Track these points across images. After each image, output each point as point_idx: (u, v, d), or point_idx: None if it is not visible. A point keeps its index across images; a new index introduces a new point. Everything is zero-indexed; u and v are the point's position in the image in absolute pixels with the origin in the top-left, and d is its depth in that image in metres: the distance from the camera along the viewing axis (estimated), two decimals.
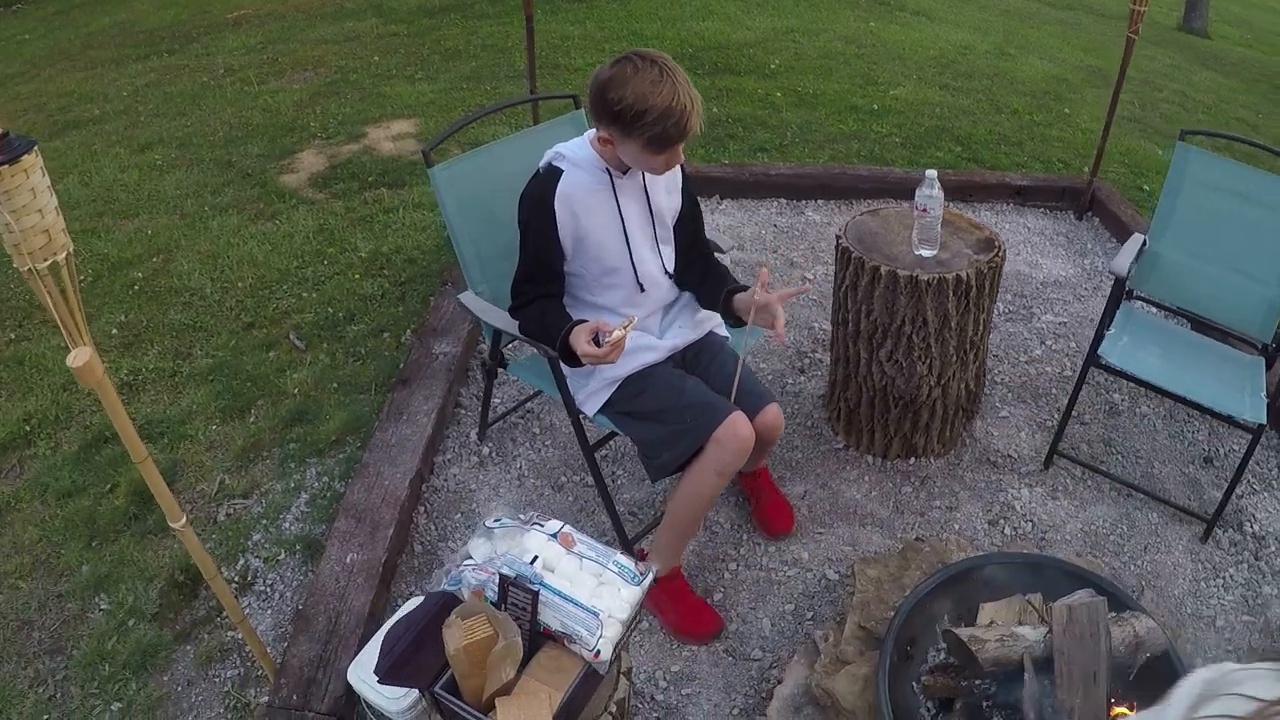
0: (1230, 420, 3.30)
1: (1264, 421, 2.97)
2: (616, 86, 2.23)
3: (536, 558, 1.87)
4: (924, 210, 2.99)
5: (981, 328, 3.17)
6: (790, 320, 4.20)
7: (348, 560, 2.76)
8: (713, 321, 2.79)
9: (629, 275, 2.57)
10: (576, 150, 2.47)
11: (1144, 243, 3.44)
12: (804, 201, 5.33)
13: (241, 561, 3.04)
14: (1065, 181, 5.52)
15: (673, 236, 2.67)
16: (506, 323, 2.62)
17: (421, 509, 3.20)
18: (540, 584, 1.80)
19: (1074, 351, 4.12)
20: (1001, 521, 3.24)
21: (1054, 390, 3.88)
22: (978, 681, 2.19)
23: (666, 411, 2.48)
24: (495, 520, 1.98)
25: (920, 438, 3.37)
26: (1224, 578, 3.09)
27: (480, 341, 3.92)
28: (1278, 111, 9.62)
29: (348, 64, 8.05)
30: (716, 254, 2.82)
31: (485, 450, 3.44)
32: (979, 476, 3.43)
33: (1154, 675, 2.13)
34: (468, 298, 2.74)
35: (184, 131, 6.63)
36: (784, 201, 5.33)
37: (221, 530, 3.17)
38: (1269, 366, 3.30)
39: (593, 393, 2.60)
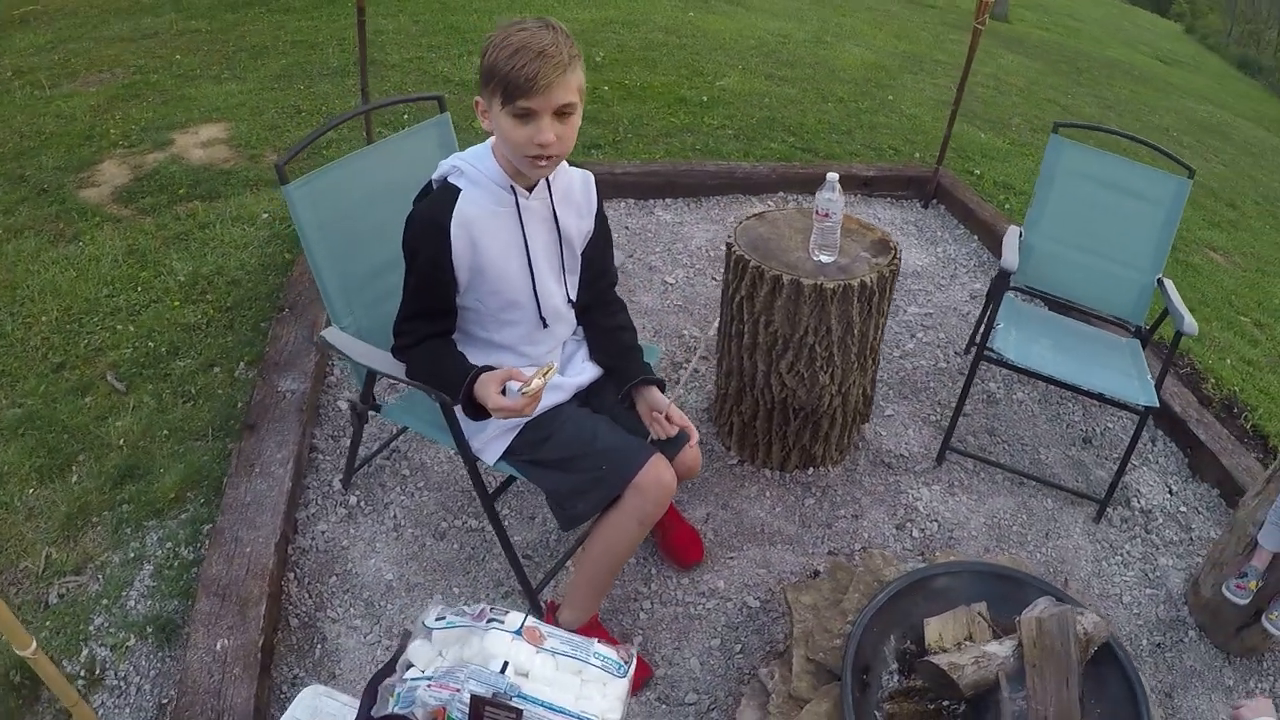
0: (1123, 405, 3.41)
1: (1156, 404, 3.06)
2: (494, 34, 1.98)
3: (506, 664, 1.53)
4: (825, 215, 2.84)
5: (879, 331, 3.08)
6: (657, 328, 4.03)
7: (218, 647, 2.38)
8: None
9: (531, 310, 2.26)
10: (476, 163, 2.13)
11: (1020, 234, 3.48)
12: (652, 201, 5.17)
13: (85, 651, 2.61)
14: (910, 171, 5.58)
15: (579, 264, 2.39)
16: (389, 365, 2.28)
17: (291, 575, 2.83)
18: (520, 696, 1.49)
19: (944, 343, 4.12)
20: (908, 524, 3.19)
21: (931, 384, 3.86)
22: (946, 703, 2.15)
23: (578, 458, 2.21)
24: (437, 618, 1.62)
25: (819, 447, 3.26)
26: (1122, 555, 3.20)
27: (329, 373, 3.59)
28: (1081, 92, 10.18)
29: (147, 64, 7.43)
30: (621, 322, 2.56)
31: (353, 500, 3.10)
32: (877, 480, 3.36)
33: (1099, 665, 2.19)
34: (334, 335, 2.37)
35: None
36: (632, 202, 5.16)
37: (56, 616, 2.72)
38: (1143, 346, 3.41)
39: (491, 439, 2.30)
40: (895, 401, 3.71)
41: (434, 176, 2.16)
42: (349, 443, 3.10)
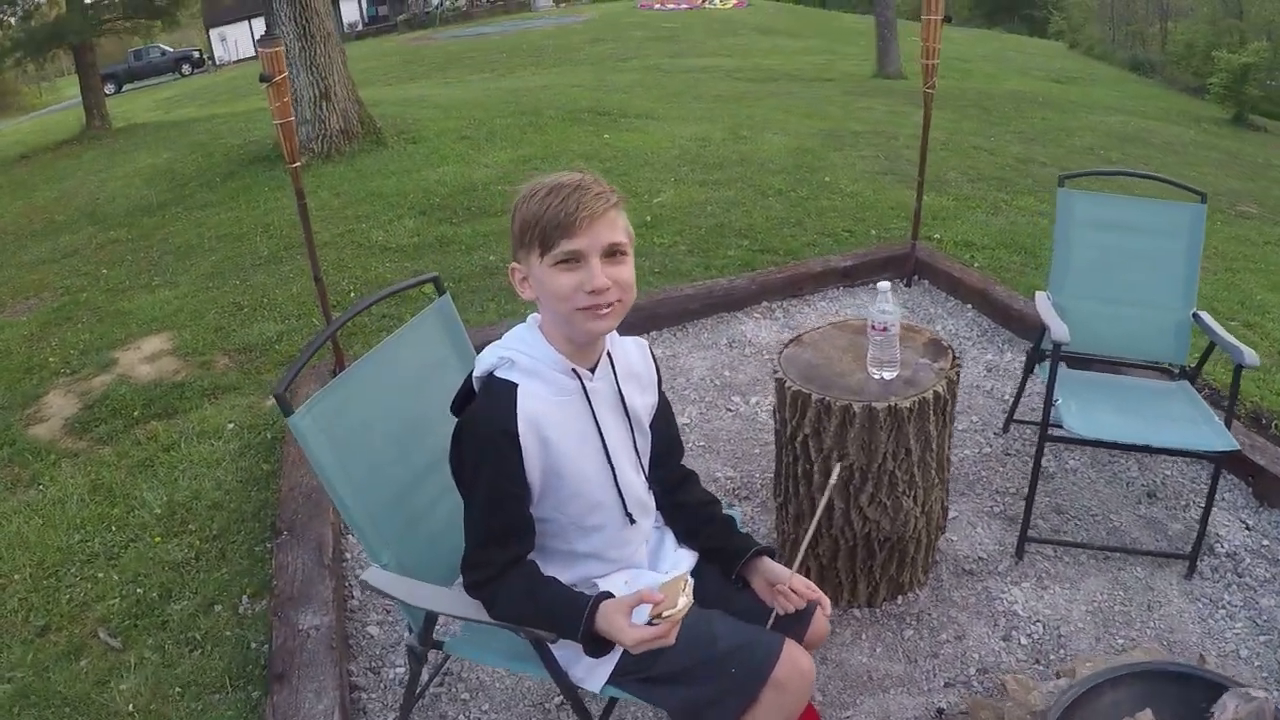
0: (1198, 454, 3.33)
1: (1236, 447, 2.94)
2: (518, 198, 1.81)
3: None
4: (883, 329, 2.64)
5: (950, 439, 2.89)
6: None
7: None
8: None
9: (615, 509, 1.97)
10: (525, 347, 1.86)
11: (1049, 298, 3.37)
12: (643, 334, 4.90)
13: None
14: (885, 251, 5.51)
15: (649, 443, 2.11)
16: (458, 604, 1.96)
17: None
18: None
19: (979, 426, 3.97)
20: (1013, 633, 2.96)
21: (983, 473, 3.68)
22: None
23: (700, 666, 1.88)
24: None
25: (906, 573, 3.02)
26: (1225, 607, 3.04)
27: (349, 596, 3.27)
28: (999, 131, 10.37)
29: (73, 283, 7.19)
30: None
31: None
32: (967, 592, 3.13)
33: None
34: (378, 577, 2.05)
35: None
36: None
37: None
38: (1192, 384, 3.31)
39: (594, 663, 1.96)
40: (955, 500, 3.51)
41: (476, 374, 1.88)
42: (403, 679, 2.79)
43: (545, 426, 1.82)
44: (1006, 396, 4.16)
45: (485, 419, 1.81)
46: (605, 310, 1.75)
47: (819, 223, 6.47)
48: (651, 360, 2.09)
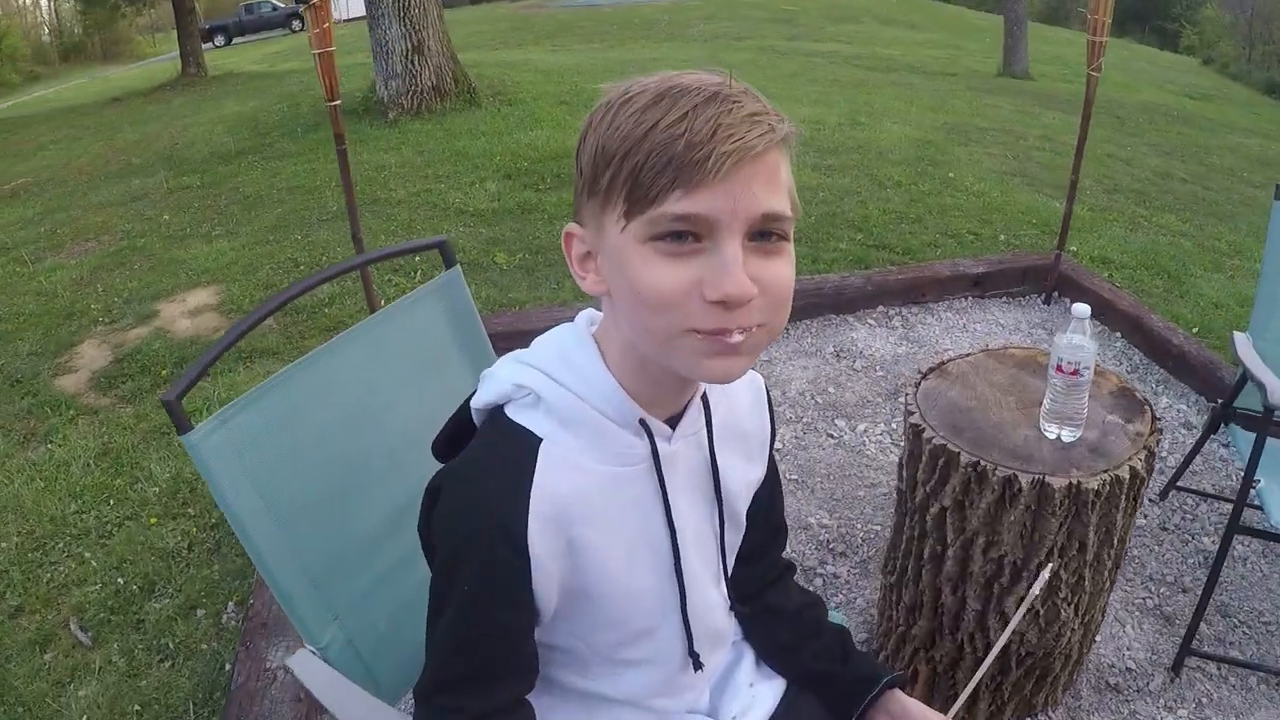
0: None
1: None
2: (593, 115, 0.96)
3: None
4: (1074, 371, 1.84)
5: (1133, 529, 2.09)
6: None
7: None
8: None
9: (676, 642, 1.20)
10: (564, 373, 1.06)
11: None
12: (754, 371, 4.29)
13: None
14: (1023, 260, 4.81)
15: (741, 537, 1.30)
16: None
17: None
18: None
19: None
20: None
21: (1136, 552, 2.94)
22: None
23: None
24: None
25: (1044, 693, 2.26)
26: None
27: None
28: (1134, 142, 9.68)
29: (134, 227, 6.91)
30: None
31: None
32: (1107, 713, 2.38)
33: None
34: (305, 665, 1.40)
35: None
36: None
37: None
38: None
39: None
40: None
41: (476, 402, 1.11)
42: None
43: (578, 521, 1.05)
44: (1162, 452, 3.39)
45: (474, 496, 1.03)
46: (738, 338, 0.91)
47: (941, 221, 5.86)
48: (767, 408, 1.29)
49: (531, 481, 1.01)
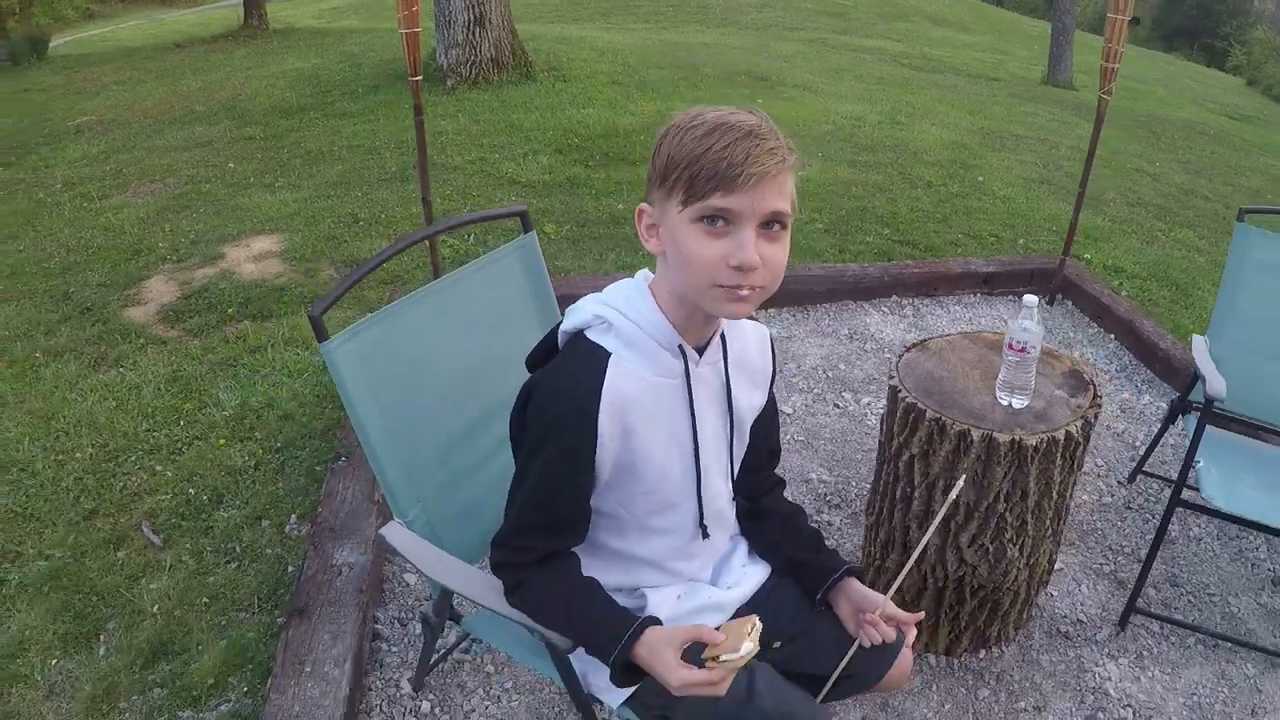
0: None
1: None
2: (670, 124, 1.43)
3: None
4: (1021, 349, 2.26)
5: (1074, 487, 2.48)
6: (780, 471, 3.40)
7: None
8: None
9: (691, 515, 1.65)
10: (630, 311, 1.51)
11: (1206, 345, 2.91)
12: (755, 313, 4.58)
13: None
14: (1033, 263, 5.08)
15: (745, 448, 1.77)
16: (478, 586, 1.68)
17: None
18: None
19: (1103, 470, 3.56)
20: (1099, 715, 2.57)
21: (1099, 525, 3.27)
22: None
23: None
24: None
25: (995, 626, 2.64)
26: None
27: None
28: (1165, 158, 9.76)
29: (199, 173, 7.21)
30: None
31: (425, 706, 2.52)
32: (1056, 657, 2.74)
33: None
34: (397, 534, 1.79)
35: (15, 258, 5.72)
36: None
37: None
38: None
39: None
40: (1063, 550, 3.11)
41: (564, 327, 1.56)
42: (421, 643, 2.58)
43: (633, 412, 1.50)
44: (1138, 443, 3.74)
45: (563, 389, 1.49)
46: (746, 292, 1.39)
47: (966, 222, 6.10)
48: (770, 352, 1.76)
49: (603, 382, 1.46)
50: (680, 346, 1.52)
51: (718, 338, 1.59)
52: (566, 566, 1.59)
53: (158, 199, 6.63)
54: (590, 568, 1.63)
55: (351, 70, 10.95)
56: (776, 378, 1.79)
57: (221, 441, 3.63)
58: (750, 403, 1.71)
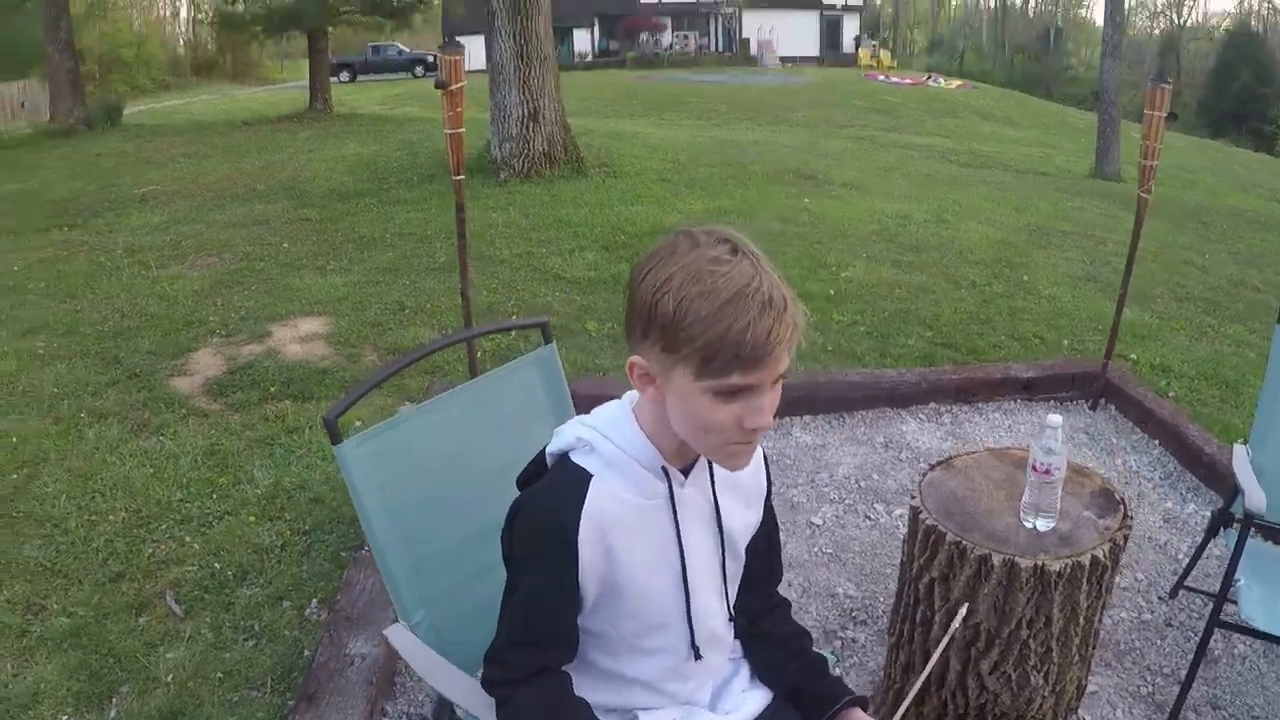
0: None
1: None
2: (656, 267, 1.33)
3: None
4: (1046, 471, 2.21)
5: (1104, 611, 2.41)
6: (805, 584, 3.39)
7: None
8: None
9: (682, 637, 1.60)
10: (613, 430, 1.51)
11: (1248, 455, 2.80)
12: (789, 419, 4.55)
13: None
14: (1073, 367, 5.02)
15: (742, 568, 1.72)
16: (476, 700, 1.67)
17: None
18: None
19: (1143, 586, 3.43)
20: None
21: (1137, 643, 3.14)
22: None
23: None
24: None
25: None
26: None
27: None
28: (1215, 249, 9.65)
29: (255, 250, 7.44)
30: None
31: None
32: None
33: None
34: (399, 636, 1.81)
35: (72, 317, 5.93)
36: None
37: None
38: None
39: None
40: (1098, 670, 3.00)
41: (550, 449, 1.56)
42: None
43: (614, 534, 1.48)
44: (1181, 555, 3.59)
45: (546, 509, 1.49)
46: (750, 447, 1.41)
47: (1010, 324, 6.05)
48: (764, 470, 1.70)
49: (584, 503, 1.45)
50: (664, 468, 1.51)
51: (703, 459, 1.55)
52: (556, 685, 1.56)
53: (213, 273, 6.82)
54: (582, 687, 1.59)
55: (409, 158, 11.25)
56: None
57: (251, 519, 3.66)
58: (743, 521, 1.66)
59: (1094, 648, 2.48)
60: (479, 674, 1.64)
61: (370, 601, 2.94)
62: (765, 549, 1.75)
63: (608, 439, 1.49)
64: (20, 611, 3.15)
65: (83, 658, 2.93)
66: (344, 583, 3.09)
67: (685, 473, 1.54)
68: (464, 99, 3.68)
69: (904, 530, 3.66)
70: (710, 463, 1.56)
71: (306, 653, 2.92)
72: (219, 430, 4.37)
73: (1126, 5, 16.67)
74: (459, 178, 3.89)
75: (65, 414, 4.54)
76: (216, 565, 3.39)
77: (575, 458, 1.50)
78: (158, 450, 4.17)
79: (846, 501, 3.90)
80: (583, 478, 1.47)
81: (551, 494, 1.49)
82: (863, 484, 4.04)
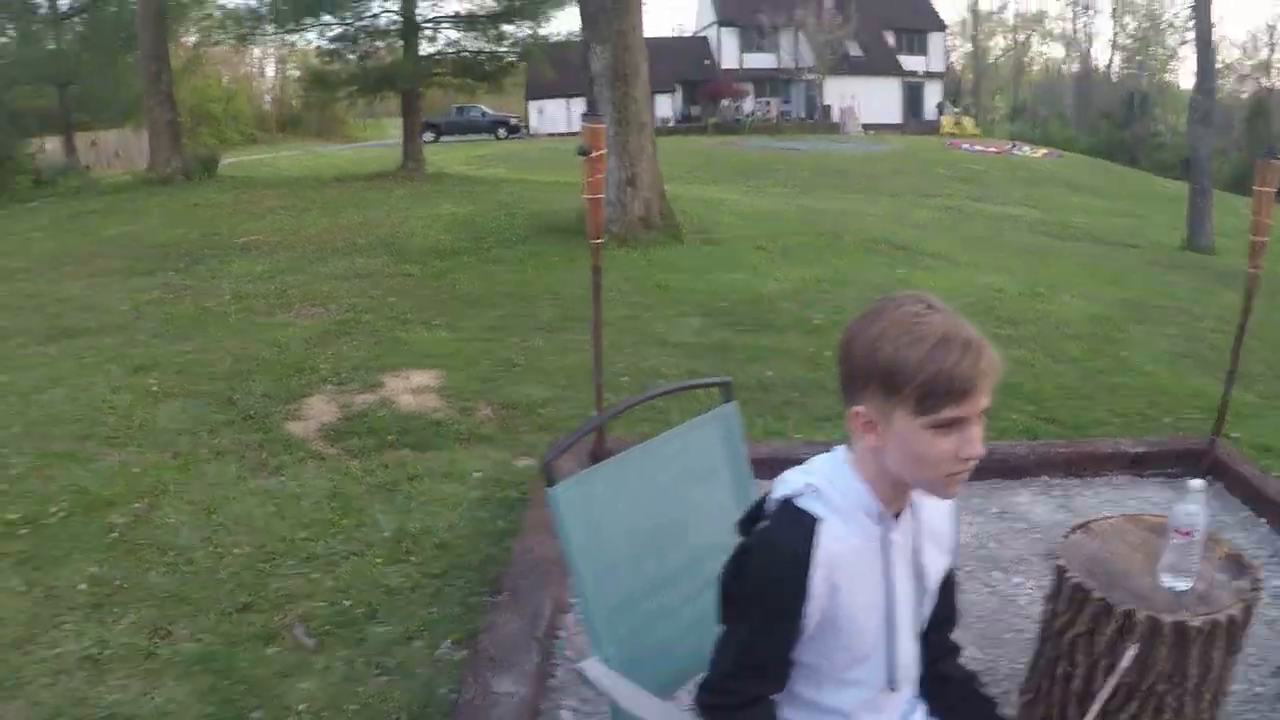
0: None
1: None
2: (867, 327, 1.55)
3: None
4: (1186, 533, 2.32)
5: (1231, 670, 2.48)
6: None
7: None
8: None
9: (881, 670, 1.76)
10: (836, 482, 1.67)
11: None
12: None
13: None
14: (1179, 444, 4.99)
15: (932, 609, 1.90)
16: None
17: None
18: None
19: (1254, 661, 3.30)
20: None
21: (1250, 716, 3.08)
22: None
23: None
24: None
25: None
26: None
27: (551, 675, 3.12)
28: None
29: (360, 302, 7.69)
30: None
31: None
32: None
33: None
34: (596, 672, 1.92)
35: (184, 358, 6.19)
36: None
37: None
38: None
39: None
40: None
41: (775, 495, 1.70)
42: None
43: (838, 573, 1.64)
44: None
45: (779, 548, 1.64)
46: (966, 474, 1.59)
47: (1111, 400, 6.02)
48: (954, 519, 1.89)
49: (814, 544, 1.60)
50: (880, 514, 1.67)
51: (909, 508, 1.74)
52: (767, 712, 1.71)
53: (320, 322, 7.06)
54: (782, 715, 1.75)
55: (505, 219, 11.52)
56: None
57: (378, 560, 3.76)
58: (937, 566, 1.82)
59: (1220, 709, 2.54)
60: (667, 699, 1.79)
61: (514, 645, 3.02)
62: (950, 593, 1.92)
63: (833, 487, 1.65)
64: (147, 634, 3.26)
65: (214, 682, 3.01)
66: (485, 625, 3.18)
67: (895, 518, 1.71)
68: (604, 165, 3.83)
69: (1023, 598, 3.70)
70: (914, 511, 1.73)
71: (441, 691, 2.98)
72: (339, 474, 4.50)
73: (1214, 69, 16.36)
74: (598, 241, 4.06)
75: (183, 449, 4.71)
76: (346, 602, 3.47)
77: (801, 502, 1.65)
78: (279, 490, 4.31)
79: (966, 568, 3.93)
80: (812, 521, 1.62)
81: (785, 533, 1.64)
82: (980, 553, 4.07)
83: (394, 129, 27.59)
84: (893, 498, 1.67)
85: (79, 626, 3.29)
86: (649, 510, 2.06)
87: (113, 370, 5.93)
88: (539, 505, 3.83)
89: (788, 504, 1.66)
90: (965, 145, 36.10)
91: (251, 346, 6.36)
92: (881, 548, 1.68)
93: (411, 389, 5.65)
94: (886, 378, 1.51)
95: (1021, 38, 79.26)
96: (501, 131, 42.02)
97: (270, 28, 21.19)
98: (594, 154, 3.78)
